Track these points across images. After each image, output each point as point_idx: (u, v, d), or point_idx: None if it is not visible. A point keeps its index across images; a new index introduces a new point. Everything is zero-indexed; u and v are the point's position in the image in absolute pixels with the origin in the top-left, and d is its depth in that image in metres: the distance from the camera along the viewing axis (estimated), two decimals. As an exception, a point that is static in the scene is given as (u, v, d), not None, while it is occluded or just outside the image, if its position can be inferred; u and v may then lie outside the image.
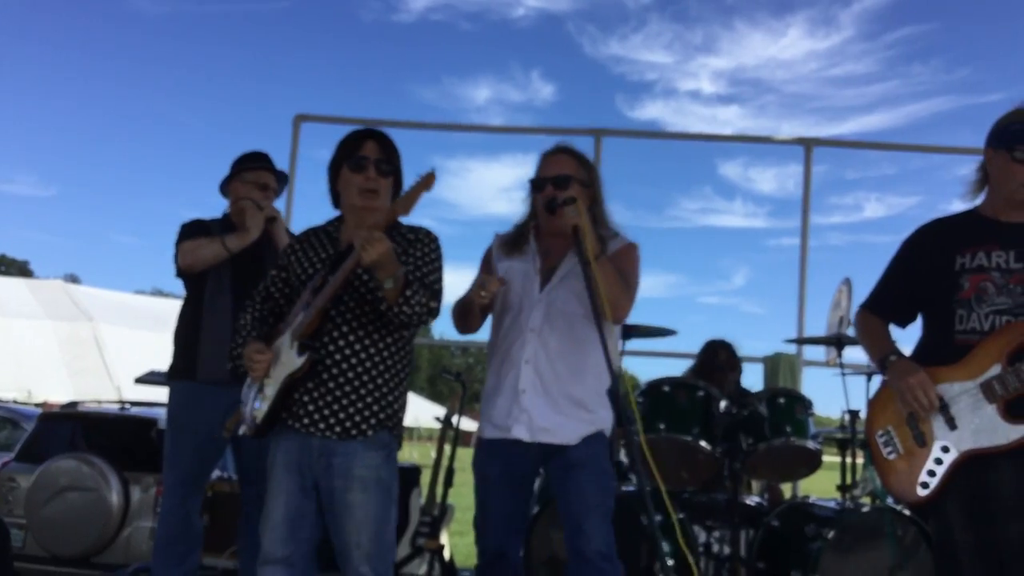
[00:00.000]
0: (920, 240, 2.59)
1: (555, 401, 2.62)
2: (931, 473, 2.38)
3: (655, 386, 4.02)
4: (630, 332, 4.28)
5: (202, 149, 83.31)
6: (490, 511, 2.69)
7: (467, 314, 2.73)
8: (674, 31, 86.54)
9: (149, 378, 5.27)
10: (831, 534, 3.72)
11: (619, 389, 2.25)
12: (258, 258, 3.28)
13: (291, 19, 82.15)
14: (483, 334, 2.86)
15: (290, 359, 2.38)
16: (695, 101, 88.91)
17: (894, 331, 2.64)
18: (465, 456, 3.06)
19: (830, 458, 4.22)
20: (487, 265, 2.84)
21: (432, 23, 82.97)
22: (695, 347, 5.00)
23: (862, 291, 2.76)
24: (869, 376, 3.97)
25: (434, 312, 2.40)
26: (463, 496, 3.22)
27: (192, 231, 3.33)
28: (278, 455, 2.42)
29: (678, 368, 5.56)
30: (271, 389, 2.42)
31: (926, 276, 2.52)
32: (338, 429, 2.36)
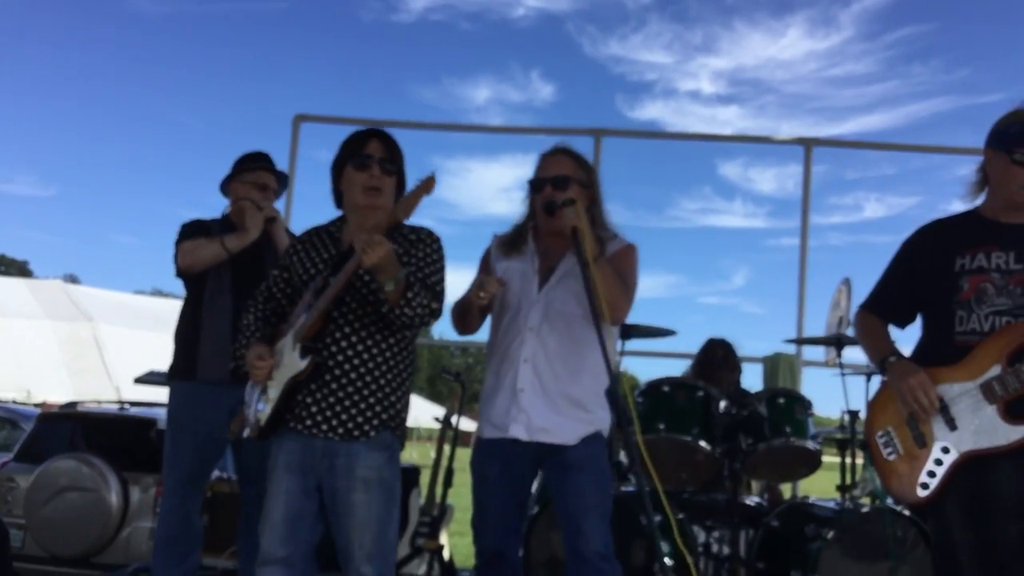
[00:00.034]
0: (920, 241, 2.59)
1: (553, 401, 2.62)
2: (931, 474, 2.38)
3: (655, 386, 4.02)
4: (630, 332, 4.28)
5: (202, 149, 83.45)
6: (488, 511, 2.69)
7: (466, 315, 2.73)
8: (674, 31, 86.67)
9: (148, 378, 5.27)
10: (831, 534, 3.72)
11: (618, 390, 2.24)
12: (258, 258, 3.29)
13: (291, 19, 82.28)
14: (482, 334, 2.87)
15: (293, 361, 2.38)
16: (695, 101, 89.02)
17: (893, 332, 2.64)
18: (464, 456, 3.06)
19: (830, 458, 4.22)
20: (486, 266, 2.84)
21: (432, 23, 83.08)
22: (695, 347, 5.00)
23: (862, 291, 2.76)
24: (869, 376, 3.97)
25: (436, 313, 2.40)
26: (462, 496, 3.22)
27: (192, 231, 3.33)
28: (280, 456, 2.42)
29: (678, 368, 5.57)
30: (274, 391, 2.42)
31: (926, 277, 2.52)
32: (341, 430, 2.37)
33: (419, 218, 2.40)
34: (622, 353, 4.38)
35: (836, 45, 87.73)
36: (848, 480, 4.13)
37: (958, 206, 2.62)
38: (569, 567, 2.58)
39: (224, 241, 3.24)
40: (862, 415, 3.75)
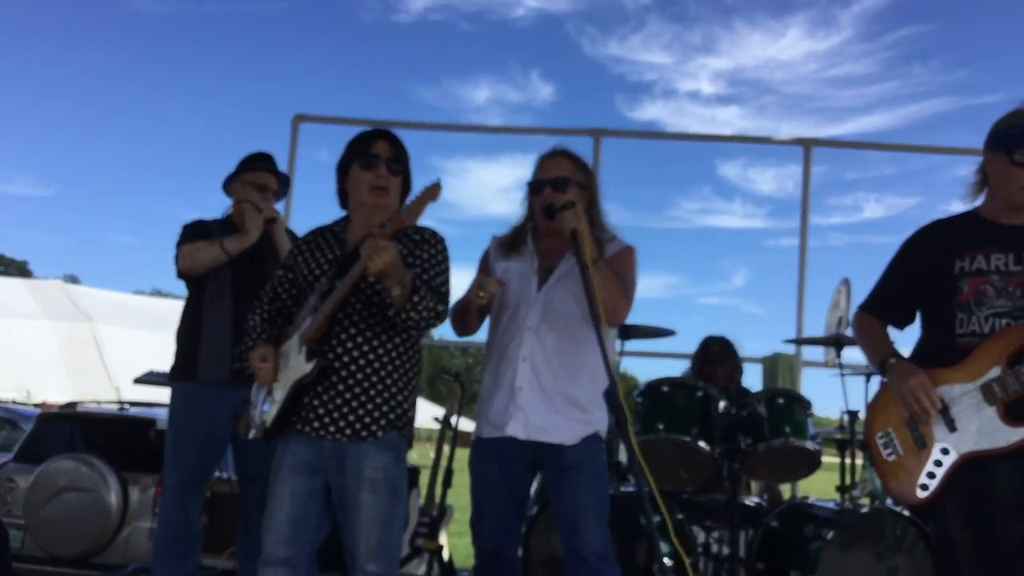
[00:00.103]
0: (919, 242, 2.59)
1: (551, 399, 2.62)
2: (930, 475, 2.38)
3: (654, 386, 4.02)
4: (629, 332, 4.29)
5: (201, 149, 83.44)
6: (486, 511, 2.69)
7: (464, 315, 2.73)
8: (673, 32, 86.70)
9: (148, 378, 5.27)
10: (830, 535, 3.72)
11: (616, 392, 2.24)
12: (258, 259, 3.30)
13: (291, 19, 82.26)
14: (481, 335, 2.87)
15: (299, 364, 2.39)
16: (694, 102, 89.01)
17: (892, 333, 2.64)
18: (464, 456, 3.06)
19: (829, 459, 4.22)
20: (485, 267, 2.84)
21: (431, 23, 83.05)
22: (694, 348, 4.99)
23: (861, 292, 2.76)
24: (868, 377, 3.97)
25: (441, 315, 2.41)
26: (462, 496, 3.22)
27: (192, 233, 3.34)
28: (286, 457, 2.43)
29: (677, 369, 5.56)
30: (280, 393, 2.43)
31: (925, 278, 2.52)
32: (349, 431, 2.38)
33: (419, 218, 2.40)
34: (621, 353, 4.38)
35: (836, 45, 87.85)
36: (847, 481, 4.13)
37: (958, 207, 2.63)
38: (568, 568, 2.58)
39: (224, 244, 3.25)
40: (861, 415, 3.75)
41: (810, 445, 3.94)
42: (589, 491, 2.58)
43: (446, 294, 2.49)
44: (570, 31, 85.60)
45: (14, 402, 11.34)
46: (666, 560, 3.66)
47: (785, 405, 4.00)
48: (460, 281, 2.75)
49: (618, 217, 2.84)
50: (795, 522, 3.98)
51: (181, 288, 3.42)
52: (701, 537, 4.03)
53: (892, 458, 2.47)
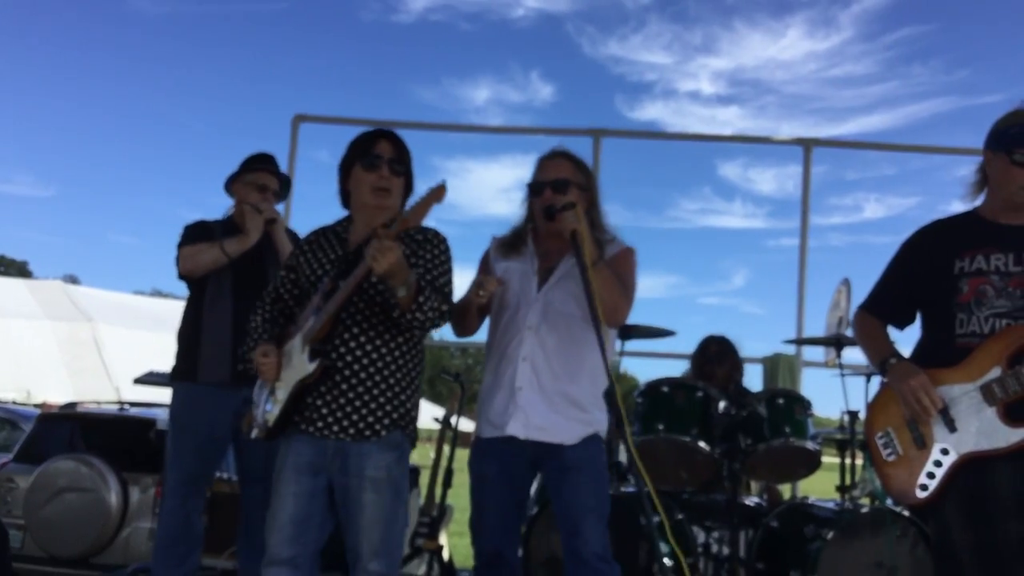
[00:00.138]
0: (919, 242, 2.59)
1: (551, 399, 2.62)
2: (930, 475, 2.38)
3: (654, 387, 4.01)
4: (629, 333, 4.29)
5: (201, 149, 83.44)
6: (486, 511, 2.69)
7: (464, 315, 2.73)
8: (673, 32, 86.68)
9: (148, 379, 5.28)
10: (830, 535, 3.72)
11: (616, 392, 2.25)
12: (259, 260, 3.31)
13: (291, 19, 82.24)
14: (481, 335, 2.87)
15: (301, 363, 2.39)
16: (694, 102, 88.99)
17: (892, 333, 2.64)
18: (464, 457, 3.06)
19: (829, 459, 4.21)
20: (485, 267, 2.84)
21: (431, 23, 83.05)
22: (694, 348, 4.99)
23: (861, 292, 2.76)
24: (868, 377, 3.97)
25: (445, 316, 2.42)
26: (462, 496, 3.23)
27: (193, 235, 3.35)
28: (289, 457, 2.44)
29: (677, 369, 5.55)
30: (282, 393, 2.44)
31: (925, 278, 2.52)
32: (352, 431, 2.38)
33: (424, 219, 2.40)
34: (621, 353, 4.38)
35: (836, 46, 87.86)
36: (848, 481, 4.13)
37: (958, 207, 2.63)
38: (567, 568, 2.58)
39: (224, 246, 3.25)
40: (861, 416, 3.75)
41: (810, 445, 3.94)
42: (589, 491, 2.58)
43: (449, 293, 2.50)
44: (570, 31, 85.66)
45: (14, 402, 11.34)
46: (666, 560, 3.66)
47: (785, 405, 4.00)
48: (460, 282, 2.76)
49: (618, 217, 2.85)
50: (795, 522, 3.98)
51: (181, 288, 3.44)
52: (701, 537, 4.03)
53: (892, 458, 2.47)
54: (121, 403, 5.51)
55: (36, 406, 10.49)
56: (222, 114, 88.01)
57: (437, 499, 4.29)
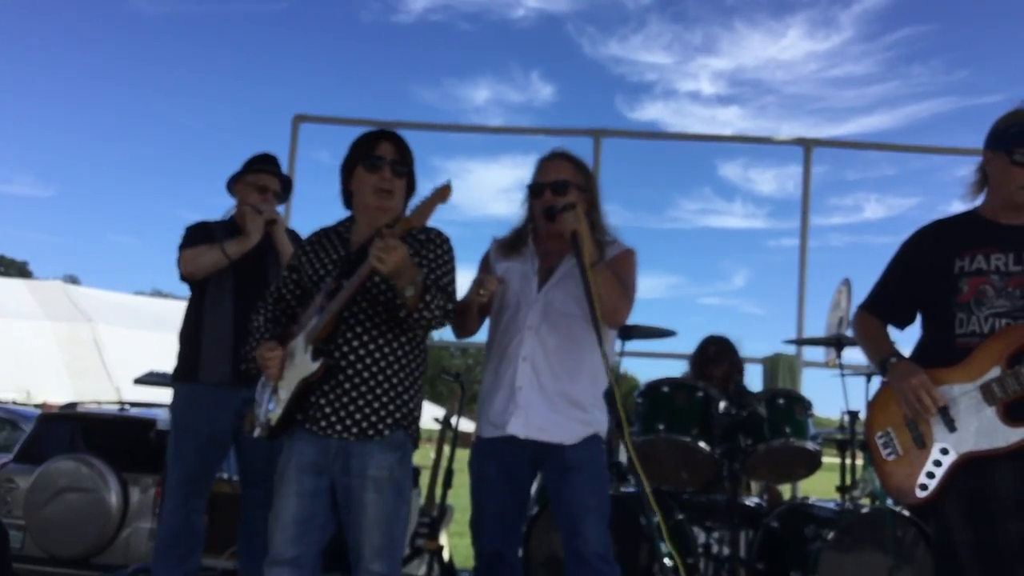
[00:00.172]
0: (919, 242, 2.59)
1: (551, 399, 2.62)
2: (930, 475, 2.38)
3: (654, 387, 4.01)
4: (630, 333, 4.28)
5: (201, 149, 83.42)
6: (487, 511, 2.69)
7: (465, 315, 2.73)
8: (674, 32, 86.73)
9: (148, 379, 5.27)
10: (830, 535, 3.71)
11: (615, 393, 2.25)
12: (259, 261, 3.32)
13: (290, 19, 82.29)
14: (481, 335, 2.87)
15: (304, 363, 2.39)
16: (695, 102, 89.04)
17: (892, 332, 2.64)
18: (464, 457, 3.06)
19: (829, 459, 4.21)
20: (485, 268, 2.85)
21: (431, 24, 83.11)
22: (694, 348, 4.99)
23: (862, 292, 2.76)
24: (868, 377, 3.97)
25: (450, 315, 2.42)
26: (462, 497, 3.23)
27: (194, 237, 3.36)
28: (292, 457, 2.44)
29: (677, 369, 5.55)
30: (285, 392, 2.44)
31: (925, 278, 2.52)
32: (355, 430, 2.38)
33: (428, 219, 2.40)
34: (622, 354, 4.38)
35: (836, 46, 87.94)
36: (848, 481, 4.13)
37: (958, 207, 2.63)
38: (568, 568, 2.58)
39: (224, 247, 3.26)
40: (862, 416, 3.75)
41: (810, 445, 3.94)
42: (590, 491, 2.58)
43: (453, 293, 2.50)
44: (570, 31, 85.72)
45: (14, 403, 11.35)
46: (666, 560, 3.66)
47: (785, 405, 4.00)
48: (460, 282, 2.76)
49: (618, 217, 2.85)
50: (795, 522, 3.97)
51: (182, 289, 3.45)
52: (701, 538, 4.03)
53: (892, 458, 2.47)
54: (121, 403, 5.51)
55: (36, 406, 10.50)
56: (222, 114, 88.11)
57: (437, 499, 4.29)
